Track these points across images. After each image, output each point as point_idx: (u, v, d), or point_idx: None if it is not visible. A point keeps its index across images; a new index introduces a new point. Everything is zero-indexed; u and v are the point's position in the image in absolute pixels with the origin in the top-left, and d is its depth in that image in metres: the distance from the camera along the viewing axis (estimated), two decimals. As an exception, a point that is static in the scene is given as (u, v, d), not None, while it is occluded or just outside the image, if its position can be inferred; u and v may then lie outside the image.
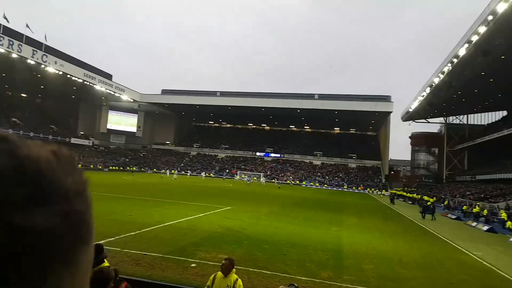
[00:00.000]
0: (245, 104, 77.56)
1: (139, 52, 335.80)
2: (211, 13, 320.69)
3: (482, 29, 32.58)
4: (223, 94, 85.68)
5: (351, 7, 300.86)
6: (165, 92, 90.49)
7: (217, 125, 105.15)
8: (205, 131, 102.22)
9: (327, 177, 78.47)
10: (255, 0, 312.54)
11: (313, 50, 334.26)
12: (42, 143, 0.45)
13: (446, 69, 43.44)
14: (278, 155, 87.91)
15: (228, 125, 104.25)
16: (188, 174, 74.86)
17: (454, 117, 74.04)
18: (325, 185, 74.18)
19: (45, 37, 54.82)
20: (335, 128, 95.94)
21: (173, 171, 70.78)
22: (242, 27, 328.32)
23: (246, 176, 71.61)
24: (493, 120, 67.79)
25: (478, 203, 36.54)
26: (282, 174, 79.22)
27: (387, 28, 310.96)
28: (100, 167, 69.95)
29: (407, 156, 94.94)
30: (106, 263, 5.67)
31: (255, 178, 74.52)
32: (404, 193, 59.49)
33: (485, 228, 24.60)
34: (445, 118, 74.58)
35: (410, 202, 49.33)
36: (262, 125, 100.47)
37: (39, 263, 0.33)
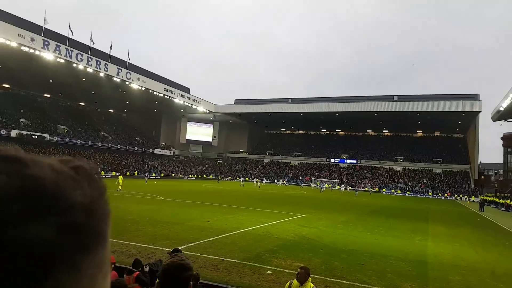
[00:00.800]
0: (317, 110, 76.64)
1: (209, 66, 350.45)
2: (274, 20, 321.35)
3: None
4: (295, 100, 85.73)
5: (426, 3, 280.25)
6: (237, 101, 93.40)
7: (289, 132, 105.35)
8: (278, 139, 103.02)
9: (409, 184, 73.93)
10: (318, 5, 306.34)
11: (387, 50, 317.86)
12: (62, 159, 0.48)
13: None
14: (354, 161, 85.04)
15: (301, 132, 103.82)
16: (263, 181, 72.93)
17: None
18: (408, 192, 69.94)
19: (128, 56, 60.02)
20: (417, 131, 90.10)
21: (257, 180, 69.56)
22: (306, 33, 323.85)
23: (319, 183, 70.37)
24: None
25: None
26: (360, 181, 76.44)
27: (470, 24, 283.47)
28: (181, 175, 74.24)
29: (499, 159, 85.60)
30: None
31: (328, 185, 72.55)
32: (497, 199, 53.68)
33: None
34: (543, 115, 65.91)
35: (504, 209, 44.41)
36: (336, 130, 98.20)
37: (32, 268, 0.36)
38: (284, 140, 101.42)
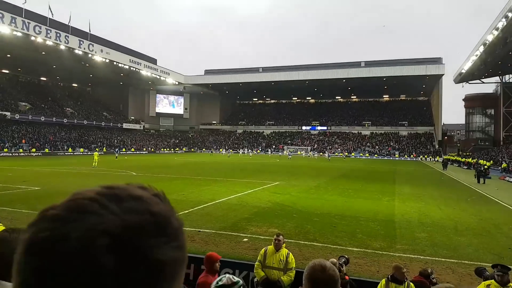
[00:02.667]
0: (288, 78, 76.66)
1: (174, 39, 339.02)
2: None
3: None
4: (266, 69, 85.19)
5: None
6: (208, 72, 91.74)
7: (261, 101, 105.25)
8: (250, 109, 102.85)
9: (377, 147, 76.43)
10: None
11: (350, 19, 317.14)
12: (142, 186, 0.59)
13: (500, 25, 39.93)
14: (325, 128, 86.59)
15: (272, 101, 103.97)
16: (241, 152, 74.16)
17: (511, 75, 68.19)
18: (376, 155, 72.38)
19: (89, 27, 57.06)
20: (384, 96, 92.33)
21: (221, 149, 73.52)
22: (267, 5, 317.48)
23: (288, 151, 71.87)
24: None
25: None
26: (330, 147, 78.21)
27: None
28: (152, 149, 73.23)
29: (461, 120, 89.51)
30: None
31: (300, 152, 74.48)
32: (459, 158, 56.62)
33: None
34: (501, 77, 68.84)
35: (466, 167, 47.02)
36: (307, 98, 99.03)
37: (170, 278, 0.53)
38: (256, 110, 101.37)
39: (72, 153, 57.18)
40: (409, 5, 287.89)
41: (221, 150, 77.58)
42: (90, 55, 55.96)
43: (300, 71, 76.99)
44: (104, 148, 62.86)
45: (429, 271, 5.50)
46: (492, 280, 4.50)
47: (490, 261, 7.46)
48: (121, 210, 0.51)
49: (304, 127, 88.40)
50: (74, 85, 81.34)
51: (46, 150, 54.21)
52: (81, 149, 59.81)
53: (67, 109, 69.61)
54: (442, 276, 7.26)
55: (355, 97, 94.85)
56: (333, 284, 1.48)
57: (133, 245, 0.49)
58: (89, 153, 58.62)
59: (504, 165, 42.14)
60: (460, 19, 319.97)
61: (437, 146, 72.69)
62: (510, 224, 12.81)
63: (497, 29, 41.16)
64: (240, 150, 75.91)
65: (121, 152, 56.99)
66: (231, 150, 73.86)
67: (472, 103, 79.28)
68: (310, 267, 1.53)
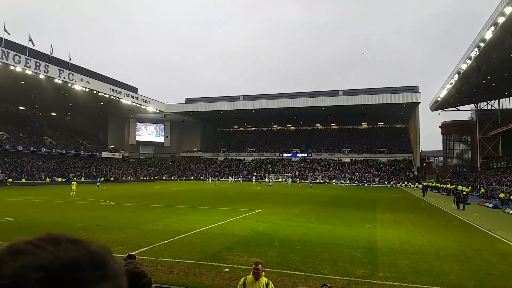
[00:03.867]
0: (269, 106, 77.64)
1: (154, 68, 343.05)
2: (209, 24, 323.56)
3: (508, 10, 31.26)
4: (246, 98, 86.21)
5: (343, 7, 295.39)
6: (189, 100, 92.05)
7: (242, 129, 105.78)
8: (231, 136, 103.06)
9: (357, 174, 77.23)
10: (248, 11, 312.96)
11: (323, 49, 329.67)
12: (88, 244, 0.60)
13: (473, 54, 41.92)
14: (305, 155, 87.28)
15: (253, 128, 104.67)
16: (231, 179, 75.98)
17: (485, 103, 71.19)
18: (356, 182, 73.02)
19: (70, 56, 56.78)
20: (362, 123, 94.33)
21: (212, 178, 74.34)
22: (242, 36, 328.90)
23: (269, 178, 72.23)
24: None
25: (516, 190, 35.04)
26: (311, 174, 78.58)
27: (386, 22, 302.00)
28: (132, 178, 71.79)
29: (439, 147, 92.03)
30: None
31: (282, 179, 74.91)
32: (438, 184, 57.69)
33: (526, 215, 23.52)
34: (475, 104, 71.81)
35: (445, 193, 47.84)
36: (287, 125, 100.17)
37: None
38: (238, 137, 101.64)
39: (50, 183, 55.41)
40: (382, 35, 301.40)
41: (212, 178, 76.98)
42: (70, 84, 55.45)
43: (280, 99, 78.29)
44: (83, 177, 61.25)
45: None
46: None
47: (472, 287, 7.48)
48: (57, 249, 0.53)
49: (285, 154, 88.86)
50: (53, 114, 79.97)
51: (23, 180, 52.44)
52: (59, 179, 58.12)
53: (46, 138, 68.09)
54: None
55: (334, 124, 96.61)
56: None
57: (69, 279, 0.50)
58: (67, 182, 57.05)
59: (482, 190, 43.14)
60: (433, 49, 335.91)
61: (416, 173, 74.06)
62: (491, 249, 12.96)
63: (470, 58, 43.10)
64: (230, 177, 76.69)
65: (101, 181, 55.38)
66: (218, 178, 73.94)
67: (449, 130, 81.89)
68: None
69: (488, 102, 70.68)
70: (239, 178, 73.52)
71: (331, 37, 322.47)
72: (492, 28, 34.90)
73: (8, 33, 46.74)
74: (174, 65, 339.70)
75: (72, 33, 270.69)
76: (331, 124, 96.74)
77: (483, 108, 72.08)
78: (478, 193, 43.45)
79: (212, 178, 76.30)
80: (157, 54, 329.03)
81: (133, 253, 10.80)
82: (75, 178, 51.99)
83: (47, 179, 56.36)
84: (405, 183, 69.17)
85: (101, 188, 45.54)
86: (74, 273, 0.51)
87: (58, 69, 52.82)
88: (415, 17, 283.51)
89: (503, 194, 36.46)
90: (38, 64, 49.39)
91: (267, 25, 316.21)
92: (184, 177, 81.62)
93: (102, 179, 60.78)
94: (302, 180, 72.38)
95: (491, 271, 9.97)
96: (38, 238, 0.56)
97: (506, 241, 14.67)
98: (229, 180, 74.06)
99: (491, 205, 30.95)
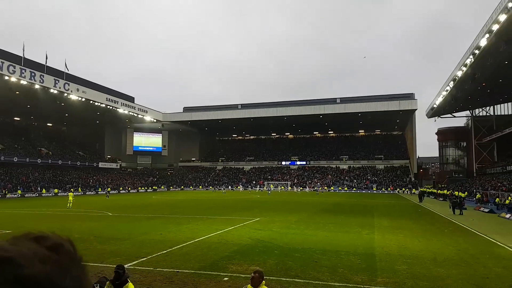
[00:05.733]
0: (267, 115, 77.91)
1: (150, 80, 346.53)
2: (202, 38, 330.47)
3: (503, 17, 31.73)
4: (244, 106, 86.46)
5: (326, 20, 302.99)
6: (186, 109, 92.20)
7: (240, 137, 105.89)
8: (229, 145, 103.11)
9: (355, 181, 77.31)
10: (236, 25, 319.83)
11: (311, 62, 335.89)
12: (37, 236, 0.52)
13: (468, 61, 42.40)
14: (304, 163, 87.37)
15: (252, 137, 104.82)
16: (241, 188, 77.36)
17: (481, 109, 71.76)
18: (354, 189, 73.07)
19: (66, 66, 56.59)
20: (359, 131, 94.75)
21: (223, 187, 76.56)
22: (234, 49, 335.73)
23: (267, 187, 72.36)
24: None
25: (510, 194, 35.23)
26: (310, 181, 78.60)
27: (373, 31, 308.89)
28: (130, 189, 71.51)
29: (436, 153, 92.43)
30: (130, 284, 5.82)
31: (282, 187, 74.96)
32: (434, 190, 57.83)
33: (521, 219, 23.63)
34: (471, 111, 72.39)
35: (441, 199, 47.95)
36: (286, 134, 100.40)
37: None
38: (236, 146, 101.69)
39: (46, 193, 55.14)
40: (371, 45, 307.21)
41: (223, 187, 77.18)
42: (65, 94, 55.39)
43: (278, 108, 78.56)
44: (80, 188, 61.00)
45: None
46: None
47: (469, 292, 7.54)
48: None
49: (283, 162, 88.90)
50: (49, 124, 79.83)
51: (19, 192, 52.16)
52: (56, 190, 57.86)
53: (42, 149, 67.87)
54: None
55: (332, 132, 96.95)
56: None
57: None
58: (63, 194, 56.91)
59: (478, 196, 43.30)
60: (424, 57, 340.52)
61: (413, 179, 74.25)
62: (487, 253, 13.04)
63: (465, 65, 43.59)
64: (240, 186, 78.51)
65: (109, 192, 55.15)
66: (224, 187, 75.43)
67: (445, 136, 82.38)
68: None
69: (483, 108, 71.27)
70: (249, 187, 75.10)
71: (319, 48, 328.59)
72: (487, 35, 35.38)
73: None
74: (168, 78, 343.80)
75: (66, 46, 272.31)
76: (329, 132, 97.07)
77: (478, 115, 72.66)
78: (474, 198, 43.62)
79: (225, 187, 77.20)
80: (151, 67, 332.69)
81: (130, 264, 10.82)
82: (72, 190, 51.83)
83: (43, 191, 56.07)
84: (403, 189, 69.29)
85: (110, 199, 45.36)
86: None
87: (54, 79, 52.76)
88: (402, 26, 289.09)
89: (498, 199, 36.62)
90: (33, 74, 49.31)
91: (257, 38, 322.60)
92: (182, 187, 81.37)
93: (109, 189, 60.60)
94: (301, 189, 72.33)
95: (488, 275, 10.04)
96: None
97: (501, 244, 14.77)
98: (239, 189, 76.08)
99: (487, 210, 31.08)
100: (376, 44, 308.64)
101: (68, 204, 32.12)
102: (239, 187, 77.61)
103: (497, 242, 15.31)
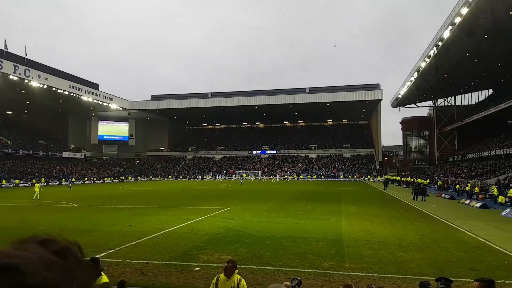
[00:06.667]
0: (238, 104, 77.53)
1: (113, 66, 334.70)
2: (164, 24, 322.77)
3: (465, 10, 32.90)
4: (215, 95, 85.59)
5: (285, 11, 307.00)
6: (154, 97, 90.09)
7: (211, 127, 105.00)
8: (200, 134, 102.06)
9: (323, 169, 78.88)
10: (200, 13, 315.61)
11: (272, 51, 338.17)
12: (43, 239, 0.50)
13: (432, 53, 43.83)
14: (274, 152, 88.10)
15: (222, 126, 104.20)
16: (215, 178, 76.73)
17: (443, 99, 74.77)
18: (322, 177, 74.59)
19: (26, 51, 53.75)
20: (328, 120, 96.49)
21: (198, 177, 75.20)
22: (197, 36, 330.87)
23: (239, 176, 72.49)
24: (480, 99, 68.52)
25: (470, 181, 37.14)
26: (280, 170, 79.46)
27: (336, 24, 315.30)
28: (95, 179, 69.49)
29: (400, 142, 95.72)
30: (104, 277, 5.67)
31: (252, 176, 75.40)
32: (398, 178, 60.02)
33: (478, 204, 25.07)
34: (433, 101, 75.32)
35: (405, 186, 49.88)
36: (257, 123, 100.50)
37: None
38: (206, 135, 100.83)
39: (6, 185, 52.58)
40: (335, 37, 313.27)
41: (197, 177, 75.78)
42: (26, 81, 52.67)
43: (249, 97, 78.34)
44: (43, 179, 58.57)
45: (372, 287, 5.72)
46: (436, 293, 4.75)
47: (432, 275, 7.89)
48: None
49: (254, 151, 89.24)
50: (8, 112, 75.61)
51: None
52: (17, 181, 55.31)
53: (1, 138, 64.45)
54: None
55: (301, 121, 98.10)
56: None
57: None
58: (25, 184, 54.54)
59: (439, 182, 45.37)
60: (384, 49, 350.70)
61: (377, 167, 76.66)
62: (448, 238, 13.72)
63: (429, 56, 45.05)
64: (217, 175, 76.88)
65: (72, 183, 53.11)
66: (197, 176, 74.57)
67: (409, 125, 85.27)
68: None
69: (445, 99, 74.28)
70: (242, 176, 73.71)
71: (284, 40, 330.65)
72: (450, 27, 36.63)
73: None
74: (133, 65, 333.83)
75: (23, 32, 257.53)
76: (299, 121, 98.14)
77: (440, 105, 75.67)
78: (436, 185, 45.64)
79: (200, 176, 75.87)
80: (115, 55, 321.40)
81: (98, 255, 10.54)
82: (34, 180, 49.79)
83: (4, 182, 53.48)
84: (368, 176, 71.44)
85: (72, 190, 43.80)
86: None
87: (13, 64, 50.02)
88: (364, 18, 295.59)
89: (458, 186, 38.53)
90: (-10, 60, 46.60)
91: (222, 26, 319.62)
92: (150, 177, 79.98)
93: (74, 180, 58.46)
94: (271, 177, 73.08)
95: (449, 259, 10.57)
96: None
97: (462, 229, 15.57)
98: (210, 178, 75.27)
99: (447, 196, 32.65)
100: (340, 36, 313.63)
101: (35, 195, 30.88)
102: (207, 176, 77.14)
103: (458, 227, 16.11)
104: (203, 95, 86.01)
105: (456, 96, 73.06)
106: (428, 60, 45.82)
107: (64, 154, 73.30)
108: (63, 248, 0.51)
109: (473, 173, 42.98)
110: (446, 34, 38.06)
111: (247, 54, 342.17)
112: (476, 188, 33.47)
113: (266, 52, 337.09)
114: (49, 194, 35.83)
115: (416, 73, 51.90)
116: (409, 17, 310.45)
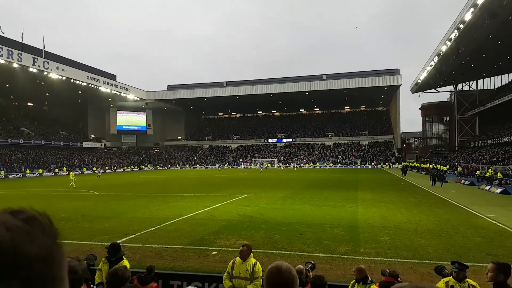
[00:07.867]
0: (253, 92, 77.52)
1: (127, 59, 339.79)
2: (181, 16, 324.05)
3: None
4: (230, 84, 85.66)
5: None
6: (170, 87, 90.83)
7: (226, 116, 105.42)
8: (216, 123, 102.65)
9: (340, 157, 78.38)
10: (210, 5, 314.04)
11: (295, 39, 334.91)
12: (14, 210, 0.54)
13: (453, 36, 42.62)
14: (290, 140, 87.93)
15: (238, 115, 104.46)
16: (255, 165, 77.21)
17: (464, 84, 72.78)
18: (339, 165, 74.18)
19: (44, 44, 54.86)
20: (345, 107, 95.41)
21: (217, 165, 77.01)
22: (209, 28, 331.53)
23: (259, 164, 72.83)
24: (503, 84, 66.35)
25: (491, 167, 36.33)
26: (296, 158, 79.39)
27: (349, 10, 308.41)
28: (115, 168, 71.06)
29: (419, 128, 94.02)
30: (125, 261, 5.92)
31: (269, 164, 75.54)
32: (417, 164, 59.13)
33: (499, 190, 24.54)
34: (454, 85, 73.35)
35: (424, 173, 49.15)
36: (272, 111, 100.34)
37: None
38: (222, 124, 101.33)
39: (30, 174, 54.40)
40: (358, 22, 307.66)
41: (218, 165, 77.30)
42: (45, 73, 53.94)
43: (264, 85, 78.10)
44: (64, 168, 60.31)
45: (386, 271, 5.79)
46: (451, 277, 4.80)
47: (448, 260, 7.85)
48: None
49: (270, 140, 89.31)
50: (29, 104, 77.84)
51: (2, 172, 51.28)
52: (40, 170, 57.12)
53: (23, 129, 66.43)
54: (404, 276, 7.58)
55: (318, 109, 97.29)
56: (289, 285, 1.57)
57: None
58: (48, 174, 56.35)
59: (459, 169, 44.53)
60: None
61: (396, 154, 75.64)
62: (466, 224, 13.56)
63: (450, 40, 43.82)
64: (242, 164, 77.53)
65: (101, 171, 54.75)
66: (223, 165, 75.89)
67: (429, 111, 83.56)
68: (268, 270, 1.63)
69: (467, 83, 72.28)
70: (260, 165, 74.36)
71: (297, 27, 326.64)
72: (472, 9, 35.48)
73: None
74: (146, 58, 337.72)
75: (41, 27, 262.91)
76: (315, 109, 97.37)
77: (461, 90, 73.71)
78: (456, 172, 44.85)
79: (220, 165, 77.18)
80: (129, 47, 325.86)
81: (119, 241, 10.91)
82: (65, 169, 51.40)
83: (28, 171, 55.33)
84: (386, 163, 70.65)
85: (101, 178, 45.20)
86: None
87: (33, 57, 51.22)
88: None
89: (479, 172, 37.77)
90: (10, 52, 47.77)
91: (231, 17, 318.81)
92: (169, 165, 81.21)
93: (106, 168, 60.16)
94: (288, 165, 73.21)
95: (467, 244, 10.50)
96: None
97: (480, 215, 15.36)
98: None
99: (467, 182, 32.08)
100: (358, 21, 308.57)
101: (71, 183, 32.01)
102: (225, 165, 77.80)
103: (476, 213, 15.90)
104: (218, 84, 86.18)
105: (478, 81, 70.98)
106: (449, 43, 44.58)
107: (85, 144, 75.11)
108: (30, 217, 0.54)
109: (494, 159, 42.00)
110: (468, 16, 36.91)
111: (260, 45, 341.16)
112: (499, 174, 32.70)
113: (280, 42, 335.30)
114: (82, 182, 36.89)
115: (436, 57, 50.61)
116: (424, 6, 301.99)
